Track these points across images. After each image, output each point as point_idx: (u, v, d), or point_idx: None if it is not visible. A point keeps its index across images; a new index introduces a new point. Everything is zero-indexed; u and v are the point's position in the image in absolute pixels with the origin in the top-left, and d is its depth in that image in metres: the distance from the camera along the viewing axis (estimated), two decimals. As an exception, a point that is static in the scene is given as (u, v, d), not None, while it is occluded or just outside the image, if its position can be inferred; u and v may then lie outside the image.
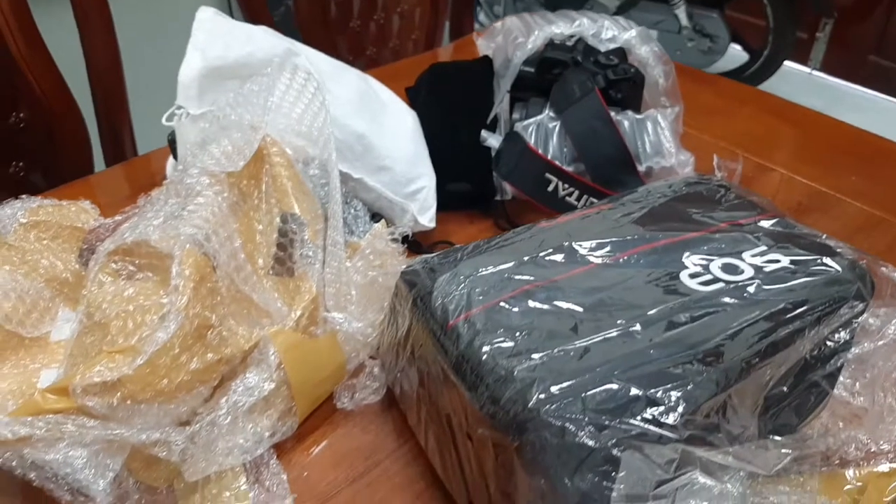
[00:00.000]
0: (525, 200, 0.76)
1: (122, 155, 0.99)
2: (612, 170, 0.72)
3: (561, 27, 0.78)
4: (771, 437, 0.49)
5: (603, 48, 0.78)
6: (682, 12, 2.29)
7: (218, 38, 0.69)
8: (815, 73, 2.57)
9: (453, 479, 0.50)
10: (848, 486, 0.53)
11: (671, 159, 0.74)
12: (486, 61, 0.89)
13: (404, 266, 0.63)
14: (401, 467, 0.55)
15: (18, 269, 0.62)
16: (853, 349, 0.49)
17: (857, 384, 0.55)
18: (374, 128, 0.72)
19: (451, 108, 0.84)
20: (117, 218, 0.70)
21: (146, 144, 1.00)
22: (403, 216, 0.72)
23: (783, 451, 0.48)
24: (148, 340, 0.50)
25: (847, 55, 2.54)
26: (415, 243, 0.73)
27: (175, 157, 0.70)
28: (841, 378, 0.53)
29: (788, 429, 0.50)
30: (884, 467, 0.54)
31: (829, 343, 0.47)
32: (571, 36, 0.80)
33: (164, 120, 0.68)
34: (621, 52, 0.80)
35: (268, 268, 0.63)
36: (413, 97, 0.90)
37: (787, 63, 2.42)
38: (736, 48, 2.42)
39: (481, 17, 2.92)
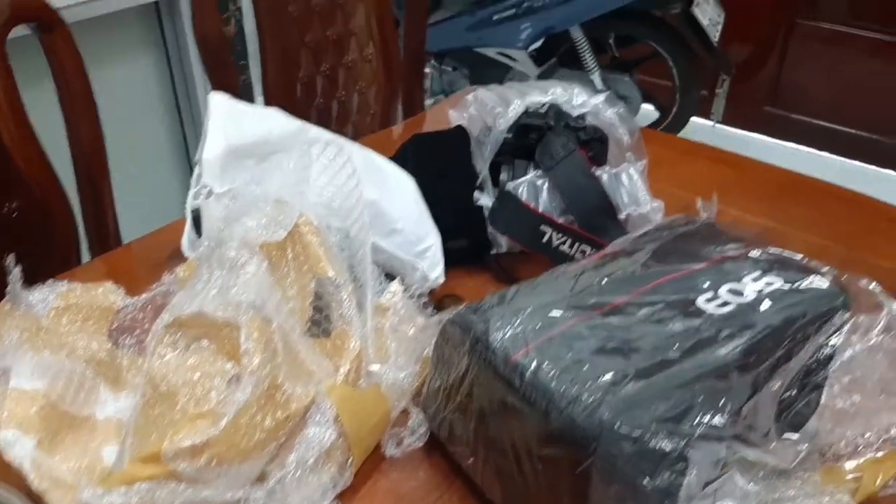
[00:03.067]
0: (518, 252, 0.83)
1: (106, 241, 1.00)
2: (598, 218, 0.80)
3: (537, 96, 0.87)
4: (785, 436, 0.56)
5: (575, 113, 0.88)
6: (596, 77, 2.48)
7: (235, 120, 0.74)
8: (718, 125, 2.81)
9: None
10: (848, 477, 0.61)
11: (646, 207, 0.83)
12: (461, 130, 0.97)
13: (433, 318, 0.68)
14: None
15: (60, 352, 0.64)
16: (844, 353, 0.57)
17: (840, 385, 0.63)
18: (382, 194, 0.78)
19: (438, 173, 0.91)
20: (143, 297, 0.72)
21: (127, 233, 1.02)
22: (414, 273, 0.78)
23: (798, 447, 0.56)
24: (225, 403, 0.53)
25: (744, 107, 2.80)
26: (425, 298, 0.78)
27: (198, 232, 0.73)
28: (826, 385, 0.62)
29: (799, 427, 0.57)
30: (872, 456, 0.63)
31: (824, 349, 0.56)
32: (544, 104, 0.89)
33: (189, 198, 0.72)
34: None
35: (304, 330, 0.67)
36: (399, 165, 0.96)
37: (693, 119, 2.64)
38: (648, 107, 2.62)
39: None
